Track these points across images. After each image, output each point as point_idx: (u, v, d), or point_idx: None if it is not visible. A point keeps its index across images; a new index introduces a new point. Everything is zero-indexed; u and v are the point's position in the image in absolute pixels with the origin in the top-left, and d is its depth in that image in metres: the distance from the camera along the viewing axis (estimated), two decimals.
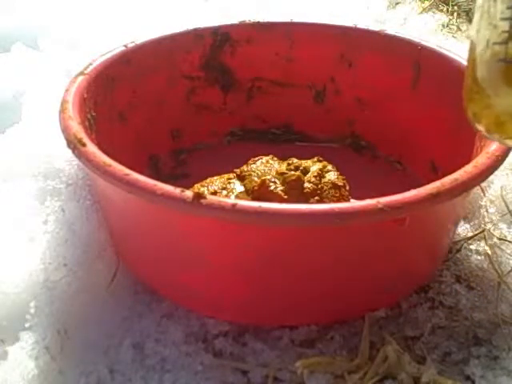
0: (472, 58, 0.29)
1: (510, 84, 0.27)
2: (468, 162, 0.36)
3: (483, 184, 0.47)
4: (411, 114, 0.50)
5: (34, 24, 0.71)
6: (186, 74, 0.53)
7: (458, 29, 0.76)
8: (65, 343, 0.36)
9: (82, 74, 0.44)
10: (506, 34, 0.27)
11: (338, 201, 0.41)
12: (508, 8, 0.27)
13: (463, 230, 0.46)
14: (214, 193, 0.41)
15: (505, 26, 0.27)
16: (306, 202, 0.41)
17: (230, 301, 0.37)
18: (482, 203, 0.47)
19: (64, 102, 0.40)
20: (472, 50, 0.29)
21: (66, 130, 0.38)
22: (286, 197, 0.41)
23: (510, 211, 0.46)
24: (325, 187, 0.42)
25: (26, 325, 0.36)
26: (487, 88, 0.28)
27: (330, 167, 0.43)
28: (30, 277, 0.38)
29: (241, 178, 0.43)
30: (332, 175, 0.43)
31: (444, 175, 0.35)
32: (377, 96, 0.53)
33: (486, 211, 0.47)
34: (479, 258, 0.44)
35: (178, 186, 0.33)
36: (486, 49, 0.28)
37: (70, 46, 0.61)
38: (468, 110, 0.30)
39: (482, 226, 0.46)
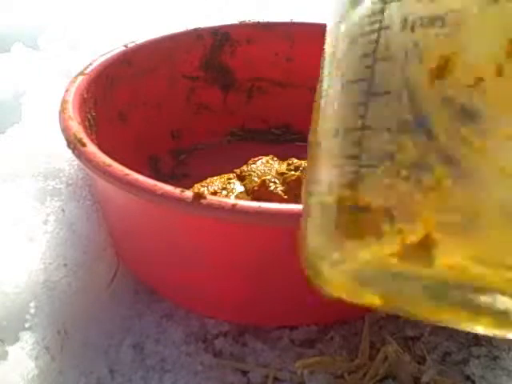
0: (307, 212, 0.24)
1: (361, 235, 0.21)
2: None
3: None
4: None
5: (33, 24, 0.71)
6: (186, 74, 0.53)
7: None
8: (65, 343, 0.36)
9: (82, 73, 0.44)
10: (354, 175, 0.21)
11: None
12: (354, 145, 0.22)
13: None
14: (214, 193, 0.41)
15: (351, 164, 0.22)
16: None
17: (229, 301, 0.37)
18: None
19: (64, 102, 0.40)
20: (306, 200, 0.24)
21: (65, 130, 0.38)
22: (286, 197, 0.41)
23: None
24: None
25: (26, 325, 0.36)
26: (331, 246, 0.22)
27: None
28: (30, 277, 0.38)
29: (241, 178, 0.43)
30: None
31: None
32: None
33: None
34: None
35: (178, 186, 0.33)
36: (329, 195, 0.22)
37: (70, 46, 0.61)
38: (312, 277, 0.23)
39: None
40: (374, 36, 0.22)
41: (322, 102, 0.26)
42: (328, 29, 0.27)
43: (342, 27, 0.25)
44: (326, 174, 0.23)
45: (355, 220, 0.21)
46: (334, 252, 0.22)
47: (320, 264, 0.23)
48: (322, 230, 0.23)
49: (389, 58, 0.22)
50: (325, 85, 0.27)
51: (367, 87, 0.22)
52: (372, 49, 0.22)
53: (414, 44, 0.21)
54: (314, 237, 0.23)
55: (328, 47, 0.27)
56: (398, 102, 0.21)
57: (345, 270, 0.22)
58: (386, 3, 0.22)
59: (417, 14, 0.21)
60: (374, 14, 0.23)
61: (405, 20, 0.22)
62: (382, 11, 0.22)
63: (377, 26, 0.22)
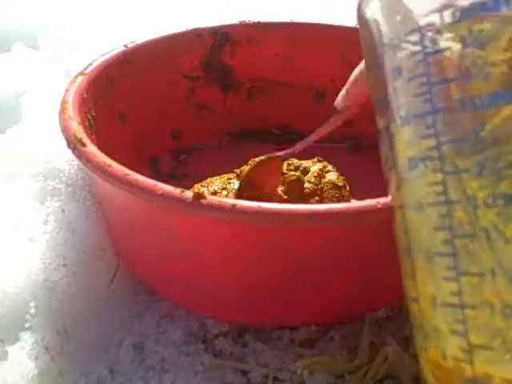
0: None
1: None
2: None
3: None
4: None
5: (34, 24, 0.71)
6: (186, 73, 0.53)
7: None
8: (65, 343, 0.36)
9: (82, 73, 0.44)
10: (467, 352, 0.23)
11: (339, 201, 0.41)
12: (457, 322, 0.23)
13: None
14: (214, 193, 0.41)
15: (460, 341, 0.23)
16: (307, 202, 0.41)
17: (229, 301, 0.37)
18: None
19: (64, 102, 0.40)
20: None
21: (65, 130, 0.38)
22: (285, 197, 0.41)
23: None
24: (325, 187, 0.42)
25: (26, 325, 0.36)
26: None
27: (330, 167, 0.43)
28: (30, 277, 0.38)
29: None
30: (332, 175, 0.43)
31: None
32: None
33: None
34: None
35: (178, 186, 0.33)
36: (443, 360, 0.24)
37: (70, 46, 0.61)
38: None
39: None
40: (443, 209, 0.23)
41: (409, 266, 0.26)
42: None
43: (405, 189, 0.25)
44: (436, 339, 0.24)
45: None
46: None
47: None
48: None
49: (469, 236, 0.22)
50: (404, 244, 0.26)
51: (453, 264, 0.23)
52: (447, 223, 0.23)
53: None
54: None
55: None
56: (493, 282, 0.22)
57: None
58: (445, 174, 0.23)
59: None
60: (435, 183, 0.23)
61: (474, 197, 0.22)
62: (443, 182, 0.23)
63: (442, 198, 0.23)
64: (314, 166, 0.43)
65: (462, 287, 0.23)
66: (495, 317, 0.22)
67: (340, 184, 0.42)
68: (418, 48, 0.24)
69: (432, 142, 0.24)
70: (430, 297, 0.24)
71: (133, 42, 0.49)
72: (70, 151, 0.37)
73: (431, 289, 0.24)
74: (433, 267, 0.24)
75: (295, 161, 0.43)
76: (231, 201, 0.32)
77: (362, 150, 0.54)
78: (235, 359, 0.37)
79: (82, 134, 0.37)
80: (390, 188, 0.27)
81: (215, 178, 0.43)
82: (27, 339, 0.36)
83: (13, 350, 0.35)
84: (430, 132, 0.24)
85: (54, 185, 0.43)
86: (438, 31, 0.23)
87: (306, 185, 0.41)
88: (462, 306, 0.23)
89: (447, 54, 0.23)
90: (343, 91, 0.38)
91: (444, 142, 0.23)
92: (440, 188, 0.23)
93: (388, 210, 0.32)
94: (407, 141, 0.25)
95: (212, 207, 0.32)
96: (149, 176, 0.34)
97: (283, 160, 0.44)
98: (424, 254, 0.24)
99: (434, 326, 0.25)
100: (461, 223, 0.23)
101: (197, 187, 0.42)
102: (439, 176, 0.23)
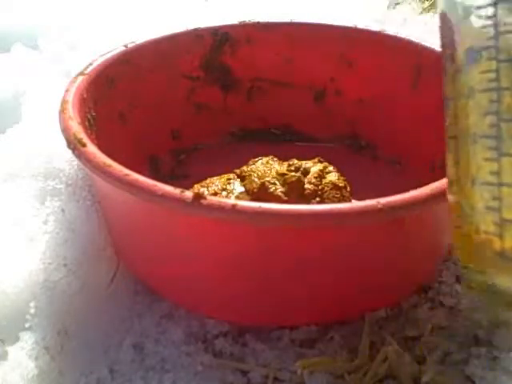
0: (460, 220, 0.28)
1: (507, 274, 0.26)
2: None
3: None
4: (411, 114, 0.50)
5: (34, 24, 0.71)
6: (186, 73, 0.53)
7: None
8: (65, 343, 0.36)
9: (82, 74, 0.44)
10: (498, 227, 0.25)
11: (339, 202, 0.41)
12: (494, 199, 0.26)
13: None
14: (214, 193, 0.41)
15: (493, 216, 0.26)
16: (307, 203, 0.41)
17: (229, 301, 0.37)
18: None
19: (64, 102, 0.40)
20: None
21: (65, 130, 0.38)
22: (286, 198, 0.41)
23: None
24: (325, 188, 0.42)
25: (26, 325, 0.36)
26: (481, 266, 0.27)
27: (330, 168, 0.43)
28: (30, 277, 0.38)
29: (241, 179, 0.43)
30: (333, 176, 0.42)
31: (444, 175, 0.35)
32: (377, 96, 0.53)
33: None
34: None
35: (178, 186, 0.33)
36: (476, 234, 0.27)
37: (70, 46, 0.61)
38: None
39: None
40: (494, 95, 0.25)
41: (453, 146, 0.29)
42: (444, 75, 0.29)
43: (460, 78, 0.27)
44: (472, 216, 0.27)
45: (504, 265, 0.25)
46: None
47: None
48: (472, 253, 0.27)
49: None
50: (453, 131, 0.29)
51: (496, 145, 0.25)
52: (495, 108, 0.25)
53: None
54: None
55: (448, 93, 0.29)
56: None
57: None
58: (499, 62, 0.25)
59: None
60: (489, 71, 0.25)
61: None
62: (497, 70, 0.25)
63: (494, 84, 0.25)
64: (315, 167, 0.43)
65: (501, 167, 0.25)
66: None
67: (341, 185, 0.42)
68: None
69: (491, 31, 0.25)
70: (470, 177, 0.27)
71: (133, 42, 0.49)
72: (70, 151, 0.37)
73: (472, 169, 0.26)
74: (476, 149, 0.26)
75: (296, 161, 0.43)
76: (231, 201, 0.32)
77: (362, 150, 0.54)
78: (235, 359, 0.37)
79: (81, 134, 0.37)
80: (444, 81, 0.29)
81: (215, 178, 0.43)
82: (27, 339, 0.36)
83: (13, 350, 0.35)
84: (490, 22, 0.25)
85: (54, 185, 0.43)
86: None
87: (307, 186, 0.41)
88: (500, 185, 0.25)
89: None
90: None
91: (503, 32, 0.25)
92: (493, 75, 0.25)
93: (388, 210, 0.32)
94: (468, 31, 0.27)
95: (212, 207, 0.32)
96: (149, 176, 0.34)
97: (284, 161, 0.44)
98: (470, 138, 0.26)
99: (471, 204, 0.27)
100: (509, 108, 0.25)
101: (197, 187, 0.42)
102: (493, 64, 0.25)
